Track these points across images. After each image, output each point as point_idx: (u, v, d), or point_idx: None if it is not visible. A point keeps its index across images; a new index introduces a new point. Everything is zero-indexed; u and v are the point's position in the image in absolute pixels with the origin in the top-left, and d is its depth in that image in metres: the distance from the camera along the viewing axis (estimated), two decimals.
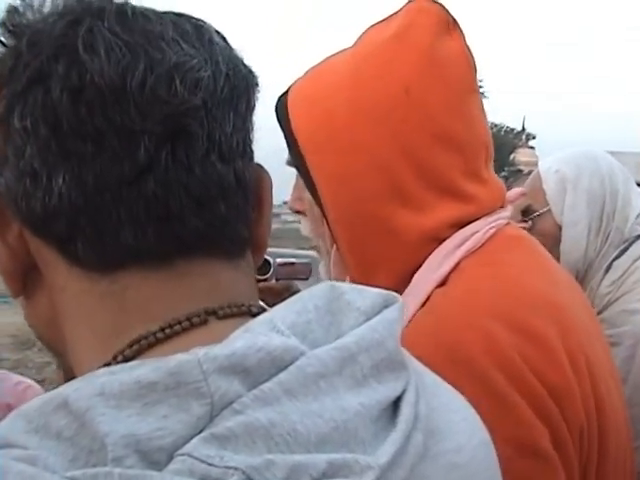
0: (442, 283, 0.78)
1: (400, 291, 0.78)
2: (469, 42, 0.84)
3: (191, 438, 0.36)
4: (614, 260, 1.46)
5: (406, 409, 0.43)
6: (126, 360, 0.41)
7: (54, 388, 0.40)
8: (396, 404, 0.43)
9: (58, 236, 0.43)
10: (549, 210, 1.53)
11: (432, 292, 0.77)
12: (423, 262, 0.79)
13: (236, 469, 0.35)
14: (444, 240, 0.79)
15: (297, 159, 0.84)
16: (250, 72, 0.48)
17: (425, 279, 0.78)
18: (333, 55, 0.87)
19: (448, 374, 0.65)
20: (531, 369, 0.69)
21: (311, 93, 0.84)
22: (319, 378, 0.39)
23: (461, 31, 0.83)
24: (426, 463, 0.43)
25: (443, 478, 0.44)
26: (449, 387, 0.52)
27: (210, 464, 0.35)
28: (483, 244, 0.80)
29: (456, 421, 0.48)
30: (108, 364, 0.42)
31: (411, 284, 0.79)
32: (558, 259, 1.44)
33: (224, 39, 0.48)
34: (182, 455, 0.35)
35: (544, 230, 1.51)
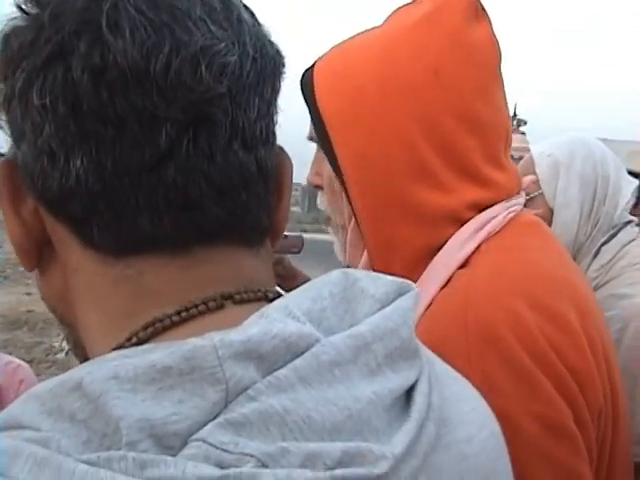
0: (463, 265, 0.79)
1: (417, 272, 0.80)
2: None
3: (205, 424, 0.36)
4: (603, 245, 1.48)
5: (419, 399, 0.43)
6: (140, 342, 0.41)
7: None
8: (409, 393, 0.43)
9: (73, 217, 0.43)
10: (541, 194, 1.54)
11: (454, 273, 0.78)
12: (442, 243, 0.80)
13: (251, 456, 0.35)
14: (463, 222, 0.80)
15: (321, 134, 0.85)
16: (277, 52, 0.47)
17: (447, 261, 0.79)
18: (362, 33, 0.87)
19: (477, 353, 0.68)
20: (555, 351, 0.71)
21: (339, 68, 0.84)
22: (334, 366, 0.39)
23: (489, 18, 0.84)
24: (438, 453, 0.43)
25: (454, 468, 0.44)
26: (459, 376, 0.52)
27: (225, 450, 0.35)
28: (502, 228, 0.81)
29: (467, 411, 0.48)
30: (121, 345, 0.42)
31: (431, 265, 0.80)
32: None
33: (252, 14, 0.47)
34: (197, 441, 0.35)
35: (536, 214, 1.51)
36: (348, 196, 0.84)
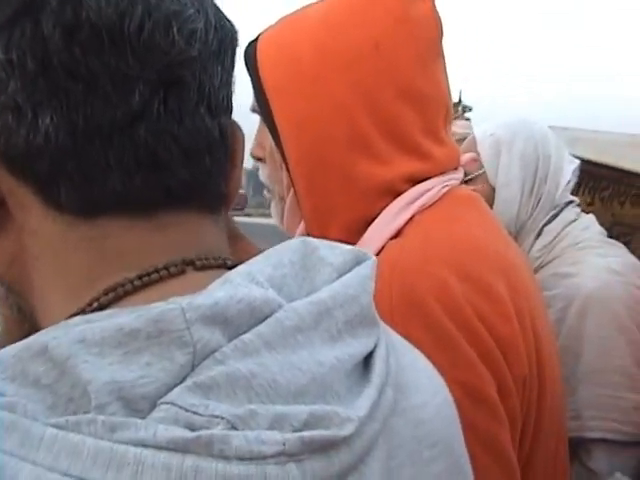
0: (395, 236, 0.80)
1: (353, 240, 0.80)
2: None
3: (173, 387, 0.35)
4: (545, 225, 1.50)
5: (379, 364, 0.44)
6: (101, 307, 0.41)
7: None
8: (367, 359, 0.44)
9: (38, 177, 0.41)
10: (483, 173, 1.55)
11: (386, 243, 0.79)
12: (377, 214, 0.81)
13: (221, 418, 0.35)
14: (398, 194, 0.81)
15: (262, 103, 0.85)
16: (232, 26, 0.48)
17: (379, 231, 0.80)
18: (305, 7, 0.88)
19: (402, 318, 0.68)
20: (480, 319, 0.72)
21: (280, 39, 0.85)
22: (296, 331, 0.39)
23: None
24: (396, 417, 0.44)
25: (410, 432, 0.45)
26: (412, 346, 0.53)
27: (195, 412, 0.34)
28: (436, 201, 0.82)
29: (421, 378, 0.49)
30: (82, 310, 0.41)
31: (365, 236, 0.81)
32: None
33: None
34: (166, 404, 0.35)
35: (475, 189, 1.53)
36: (287, 166, 0.84)
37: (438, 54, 0.85)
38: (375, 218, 0.81)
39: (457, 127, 2.01)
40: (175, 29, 0.41)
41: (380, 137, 0.80)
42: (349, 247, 0.47)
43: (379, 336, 0.45)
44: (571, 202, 1.53)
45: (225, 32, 0.46)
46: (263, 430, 0.35)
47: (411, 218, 0.80)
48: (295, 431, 0.36)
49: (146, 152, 0.41)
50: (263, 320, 0.39)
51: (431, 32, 0.83)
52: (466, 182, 1.56)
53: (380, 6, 0.81)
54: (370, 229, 0.81)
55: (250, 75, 0.86)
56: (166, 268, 0.42)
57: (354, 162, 0.80)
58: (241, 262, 0.44)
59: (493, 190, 1.54)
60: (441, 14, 0.85)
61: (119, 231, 0.42)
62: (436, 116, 0.83)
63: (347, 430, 0.38)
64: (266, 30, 0.87)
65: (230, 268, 0.43)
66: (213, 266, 0.44)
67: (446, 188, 0.84)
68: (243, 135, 0.50)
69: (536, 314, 0.81)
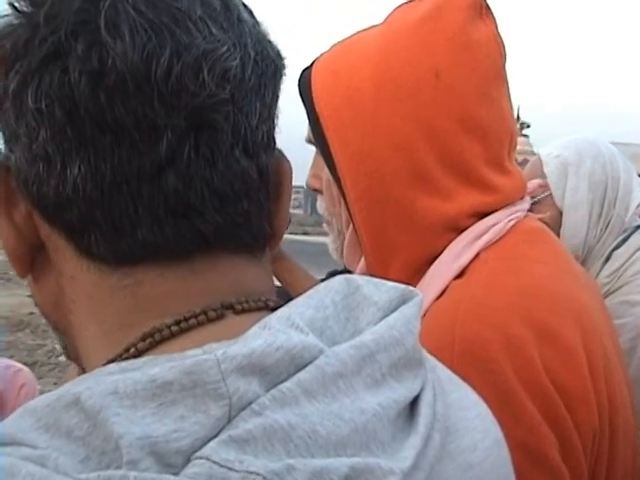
0: (460, 274, 0.76)
1: (415, 279, 0.78)
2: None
3: (209, 440, 0.34)
4: (614, 250, 1.45)
5: (425, 409, 0.42)
6: (139, 353, 0.40)
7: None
8: (414, 403, 0.43)
9: (69, 226, 0.41)
10: (550, 195, 1.51)
11: (450, 284, 0.76)
12: (440, 251, 0.78)
13: (257, 474, 0.33)
14: (463, 230, 0.78)
15: (318, 136, 0.82)
16: (278, 54, 0.46)
17: (443, 269, 0.77)
18: (361, 31, 0.85)
19: (462, 367, 0.64)
20: (548, 374, 0.68)
21: (336, 68, 0.82)
22: (338, 378, 0.38)
23: (493, 16, 0.81)
24: (443, 463, 0.42)
25: (460, 477, 0.43)
26: (462, 382, 0.51)
27: (230, 468, 0.33)
28: (503, 236, 0.79)
29: (470, 418, 0.47)
30: (119, 356, 0.41)
31: (428, 273, 0.78)
32: None
33: (251, 13, 0.45)
34: (200, 458, 0.34)
35: (541, 218, 1.49)
36: (346, 200, 0.82)
37: (501, 79, 0.81)
38: (438, 255, 0.78)
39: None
40: (206, 71, 0.40)
41: (442, 171, 0.77)
42: (395, 284, 0.46)
43: (425, 378, 0.44)
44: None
45: (267, 64, 0.44)
46: None
47: (476, 255, 0.77)
48: None
49: (176, 200, 0.40)
50: (303, 367, 0.38)
51: (494, 57, 0.80)
52: (532, 204, 1.54)
53: (441, 32, 0.77)
54: (433, 267, 0.78)
55: (305, 105, 0.83)
56: (204, 313, 0.41)
57: (415, 198, 0.77)
58: (282, 304, 0.43)
59: (560, 213, 1.49)
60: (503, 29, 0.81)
61: (153, 279, 0.42)
62: (500, 145, 0.80)
63: None
64: (320, 57, 0.85)
65: (273, 309, 0.42)
66: (253, 309, 0.43)
67: (512, 222, 0.80)
68: (290, 167, 0.49)
69: (610, 358, 0.77)
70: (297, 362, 0.37)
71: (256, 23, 0.45)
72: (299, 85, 0.84)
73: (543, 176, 1.53)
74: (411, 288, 0.46)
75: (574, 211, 1.47)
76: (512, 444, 0.63)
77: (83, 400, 0.35)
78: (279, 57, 0.46)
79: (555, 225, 1.47)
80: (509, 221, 0.80)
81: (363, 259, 0.86)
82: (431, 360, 0.48)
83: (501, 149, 0.80)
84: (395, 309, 0.44)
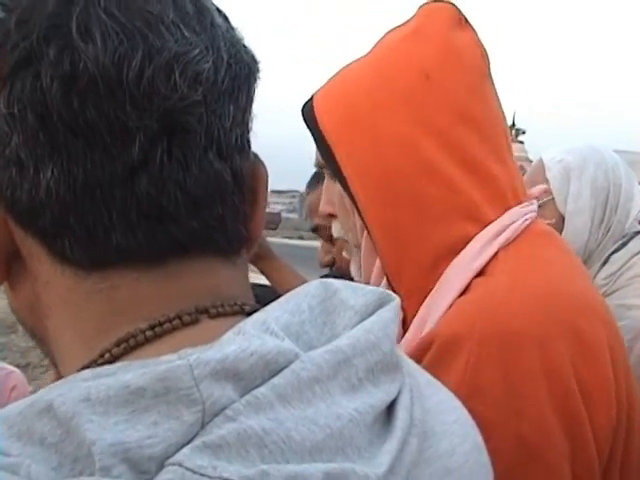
0: (480, 273, 0.78)
1: (433, 274, 0.79)
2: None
3: (182, 446, 0.34)
4: (612, 254, 1.47)
5: (402, 414, 0.42)
6: (113, 359, 0.40)
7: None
8: (390, 408, 0.42)
9: (43, 231, 0.41)
10: (552, 199, 1.52)
11: (471, 282, 0.78)
12: (453, 244, 0.79)
13: None
14: (473, 219, 0.80)
15: (326, 154, 0.86)
16: (252, 58, 0.46)
17: (463, 268, 0.78)
18: (353, 61, 0.90)
19: (478, 360, 0.68)
20: (575, 371, 0.69)
21: (334, 90, 0.87)
22: (314, 382, 0.38)
23: (472, 28, 0.86)
24: (420, 468, 0.42)
25: None
26: (442, 386, 0.51)
27: (203, 474, 0.33)
28: (518, 235, 0.81)
29: (449, 422, 0.47)
30: (94, 362, 0.40)
31: (447, 272, 0.79)
32: None
33: (226, 18, 0.46)
34: (173, 465, 0.33)
35: (545, 220, 1.50)
36: (358, 209, 0.84)
37: (487, 79, 0.85)
38: (452, 248, 0.79)
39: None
40: (177, 73, 0.40)
41: (446, 162, 0.79)
42: (372, 288, 0.46)
43: (402, 382, 0.44)
44: (639, 232, 1.49)
45: (241, 67, 0.44)
46: None
47: (495, 254, 0.79)
48: None
49: (149, 204, 0.40)
50: (278, 372, 0.37)
51: (478, 60, 0.85)
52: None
53: (426, 41, 0.83)
54: (453, 265, 0.79)
55: (310, 131, 0.87)
56: (179, 317, 0.41)
57: (423, 190, 0.79)
58: (258, 308, 0.43)
59: (562, 218, 1.51)
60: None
61: (128, 283, 0.41)
62: (495, 137, 0.83)
63: None
64: (320, 87, 0.89)
65: (249, 314, 0.42)
66: (229, 313, 0.43)
67: (527, 222, 0.83)
68: (266, 171, 0.49)
69: (626, 355, 0.79)
70: (272, 367, 0.37)
71: (230, 28, 0.45)
72: (303, 112, 0.88)
73: (545, 181, 1.54)
74: (388, 292, 0.46)
75: (576, 217, 1.48)
76: (514, 437, 0.65)
77: (56, 407, 0.35)
78: (253, 61, 0.46)
79: (557, 230, 1.48)
80: (524, 221, 0.82)
81: (378, 262, 0.88)
82: (410, 364, 0.48)
83: (497, 141, 0.83)
84: (372, 313, 0.44)
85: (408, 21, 0.88)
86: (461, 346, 0.69)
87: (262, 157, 0.49)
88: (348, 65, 0.90)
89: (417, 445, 0.42)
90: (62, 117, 0.38)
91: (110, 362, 0.40)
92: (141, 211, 0.40)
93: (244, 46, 0.45)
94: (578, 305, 0.75)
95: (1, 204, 0.42)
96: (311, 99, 0.88)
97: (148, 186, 0.40)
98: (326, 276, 1.66)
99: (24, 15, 0.40)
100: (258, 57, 0.46)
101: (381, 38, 0.90)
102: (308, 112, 0.87)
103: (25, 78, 0.39)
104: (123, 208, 0.40)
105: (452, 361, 0.69)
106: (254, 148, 0.47)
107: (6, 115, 0.39)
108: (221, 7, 0.46)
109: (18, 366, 1.91)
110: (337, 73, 0.90)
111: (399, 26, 0.89)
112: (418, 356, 0.70)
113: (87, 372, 0.37)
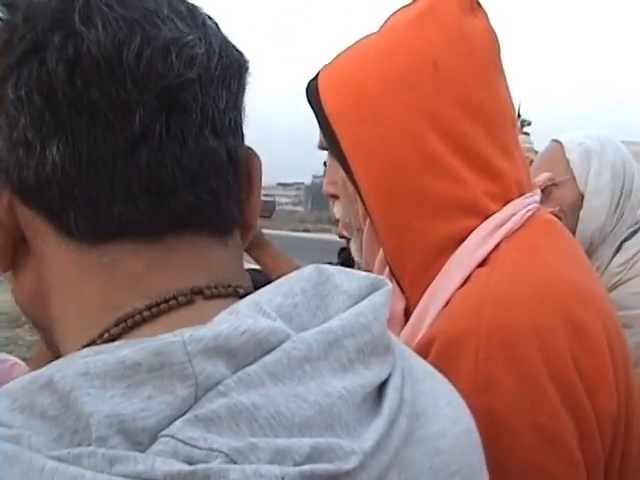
0: (482, 263, 0.78)
1: (434, 265, 0.79)
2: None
3: (175, 419, 0.36)
4: (624, 241, 1.47)
5: (391, 394, 0.43)
6: (112, 338, 0.42)
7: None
8: (381, 389, 0.43)
9: (49, 206, 0.43)
10: (570, 179, 1.52)
11: (473, 272, 0.77)
12: (459, 236, 0.79)
13: (220, 452, 0.35)
14: (475, 213, 0.79)
15: (329, 136, 0.84)
16: (242, 55, 0.48)
17: (465, 258, 0.77)
18: (360, 39, 0.88)
19: (487, 352, 0.68)
20: (575, 361, 0.69)
21: (340, 70, 0.85)
22: (304, 362, 0.39)
23: (484, 11, 0.84)
24: (410, 448, 0.43)
25: (427, 462, 0.44)
26: (435, 371, 0.52)
27: (193, 446, 0.35)
28: (521, 226, 0.80)
29: (441, 406, 0.48)
30: (94, 342, 0.42)
31: (449, 262, 0.78)
32: (573, 232, 1.43)
33: (216, 25, 0.48)
34: (166, 436, 0.35)
35: (563, 199, 1.51)
36: (360, 195, 0.83)
37: (497, 67, 0.84)
38: (459, 240, 0.78)
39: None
40: (174, 55, 0.43)
41: (450, 155, 0.78)
42: (366, 274, 0.47)
43: (394, 364, 0.45)
44: None
45: (231, 60, 0.46)
46: (263, 464, 0.35)
47: (498, 245, 0.78)
48: (296, 465, 0.36)
49: (149, 176, 0.42)
50: (270, 351, 0.39)
51: (487, 46, 0.83)
52: (549, 188, 1.53)
53: (435, 26, 0.81)
54: (455, 255, 0.78)
55: (313, 109, 0.85)
56: (175, 298, 0.43)
57: (426, 182, 0.78)
58: (252, 291, 0.44)
59: (581, 197, 1.51)
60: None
61: (128, 256, 0.43)
62: (503, 130, 0.82)
63: (351, 463, 0.37)
64: (325, 65, 0.88)
65: (242, 297, 0.43)
66: (222, 295, 0.44)
67: (529, 212, 0.81)
68: (260, 163, 0.51)
69: (626, 346, 0.79)
70: (264, 346, 0.39)
71: (220, 30, 0.48)
72: (307, 92, 0.87)
73: (565, 161, 1.54)
74: (381, 277, 0.47)
75: (596, 196, 1.49)
76: (530, 428, 0.66)
77: (56, 381, 0.36)
78: (242, 57, 0.48)
79: (575, 209, 1.50)
80: (527, 212, 0.81)
81: (381, 251, 0.87)
82: (404, 350, 0.49)
83: (504, 133, 0.82)
84: (365, 297, 0.45)
85: (416, 1, 0.85)
86: (467, 341, 0.69)
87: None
88: (356, 43, 0.88)
89: (407, 425, 0.43)
90: (67, 96, 0.41)
91: (109, 341, 0.41)
92: (141, 183, 0.42)
93: (234, 45, 0.48)
94: (577, 295, 0.75)
95: (7, 187, 0.44)
96: (316, 77, 0.87)
97: (148, 158, 0.42)
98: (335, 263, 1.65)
99: (29, 12, 0.43)
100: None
101: (389, 17, 0.87)
102: (312, 92, 0.86)
103: (32, 65, 0.41)
104: (125, 180, 0.42)
105: (460, 356, 0.69)
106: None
107: (14, 99, 0.42)
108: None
109: (24, 359, 1.91)
110: (341, 53, 0.88)
111: (406, 6, 0.86)
112: (421, 354, 0.69)
113: (86, 350, 0.39)
